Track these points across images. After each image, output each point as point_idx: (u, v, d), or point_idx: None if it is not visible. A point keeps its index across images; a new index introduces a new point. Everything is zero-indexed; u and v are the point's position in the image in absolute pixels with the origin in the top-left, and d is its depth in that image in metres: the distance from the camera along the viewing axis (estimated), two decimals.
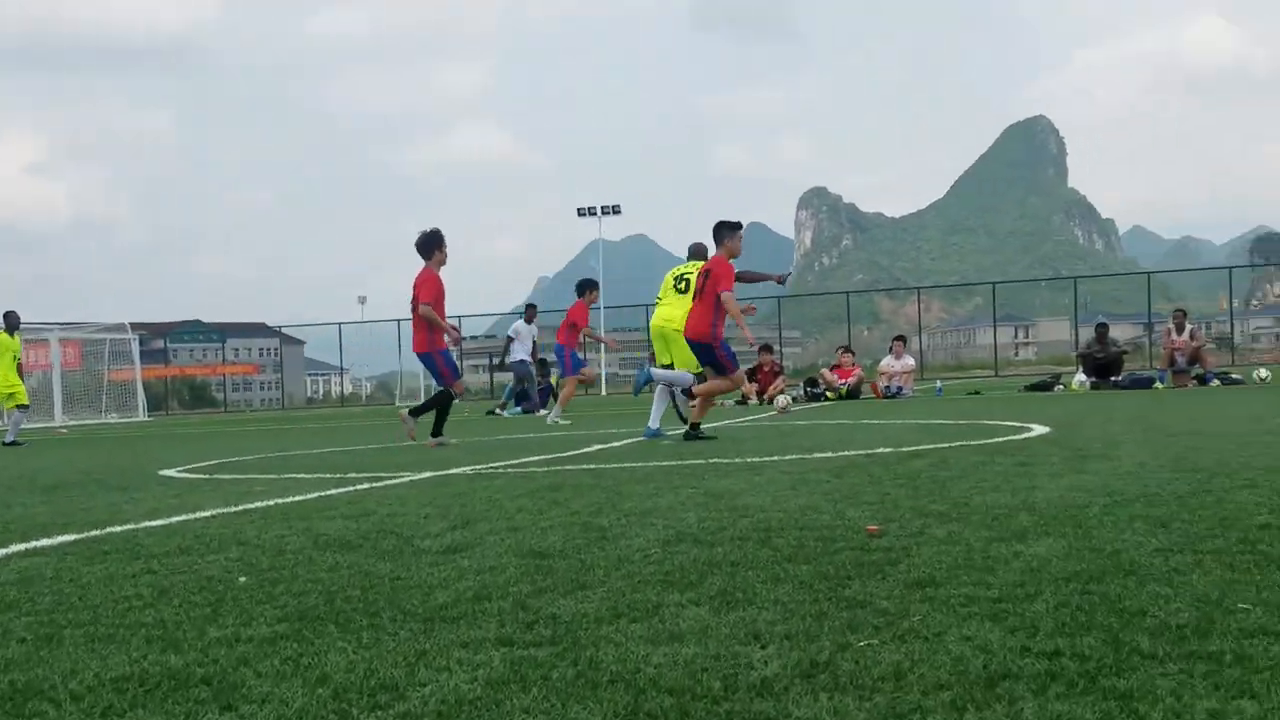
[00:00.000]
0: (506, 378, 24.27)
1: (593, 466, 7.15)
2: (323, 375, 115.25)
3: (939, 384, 22.63)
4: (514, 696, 2.04)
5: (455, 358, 11.08)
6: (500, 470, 7.09)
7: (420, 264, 10.57)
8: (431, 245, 10.43)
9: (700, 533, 3.86)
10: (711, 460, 7.07)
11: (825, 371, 20.83)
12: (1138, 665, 2.02)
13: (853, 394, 20.06)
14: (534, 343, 21.45)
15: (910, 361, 21.42)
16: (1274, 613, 2.34)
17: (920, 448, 7.23)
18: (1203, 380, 18.12)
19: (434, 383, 12.53)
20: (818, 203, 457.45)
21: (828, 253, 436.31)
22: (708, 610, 2.65)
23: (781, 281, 10.99)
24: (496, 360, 23.44)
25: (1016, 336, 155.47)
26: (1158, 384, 18.17)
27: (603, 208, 50.73)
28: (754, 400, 20.47)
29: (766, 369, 21.08)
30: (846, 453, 7.14)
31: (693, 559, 3.34)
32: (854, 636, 2.33)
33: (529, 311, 21.81)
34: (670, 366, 10.60)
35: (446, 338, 10.73)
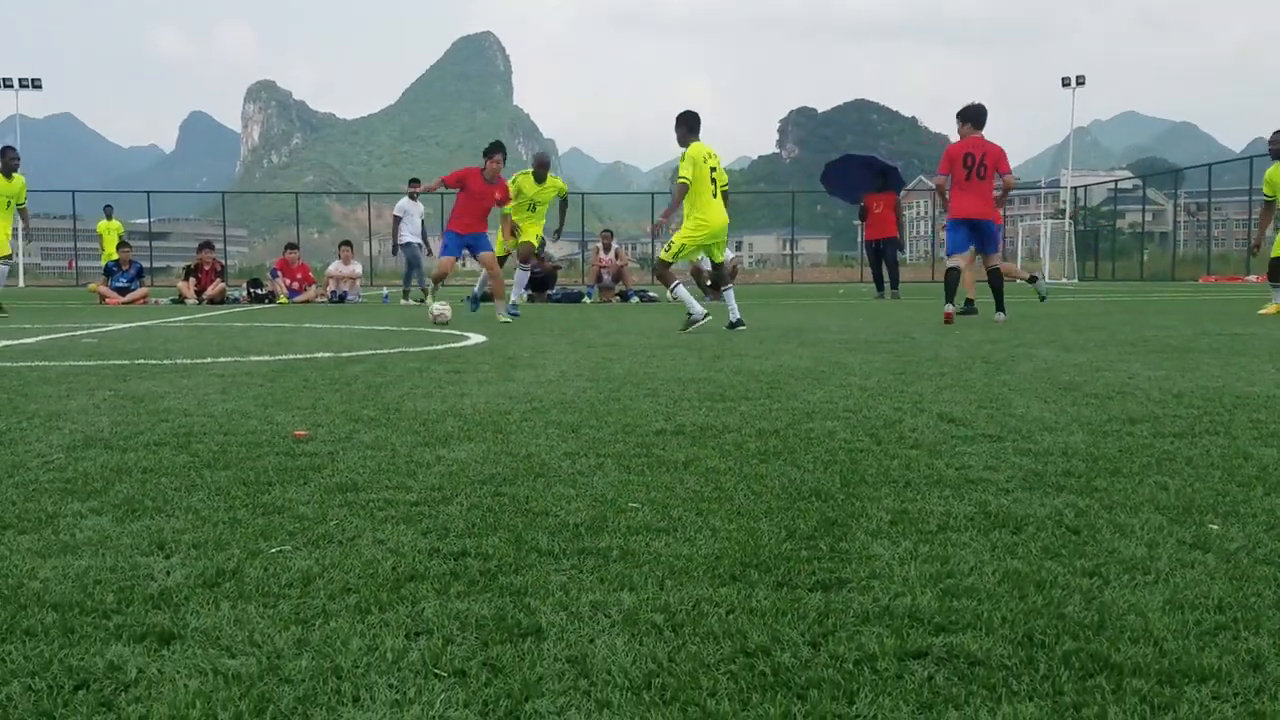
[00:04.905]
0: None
1: None
2: None
3: (385, 291, 22.75)
4: None
5: None
6: None
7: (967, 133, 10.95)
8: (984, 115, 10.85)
9: (113, 438, 3.62)
10: (137, 362, 6.64)
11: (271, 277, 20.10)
12: (535, 563, 2.16)
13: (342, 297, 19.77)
14: (422, 222, 19.31)
15: (358, 268, 21.33)
16: (658, 510, 2.58)
17: (360, 353, 7.24)
18: (624, 297, 19.66)
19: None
20: (266, 97, 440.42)
21: (277, 150, 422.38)
22: (110, 519, 2.50)
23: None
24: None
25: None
26: (586, 299, 19.48)
27: (20, 80, 45.43)
28: (192, 300, 19.49)
29: (207, 268, 20.11)
30: (284, 357, 7.00)
31: (100, 465, 3.13)
32: (266, 543, 2.30)
33: (412, 186, 19.31)
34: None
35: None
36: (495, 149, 12.37)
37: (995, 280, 11.07)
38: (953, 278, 11.06)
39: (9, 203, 14.36)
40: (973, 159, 10.68)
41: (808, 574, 2.07)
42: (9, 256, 14.94)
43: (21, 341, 8.60)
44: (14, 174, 14.41)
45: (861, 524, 2.44)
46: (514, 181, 13.81)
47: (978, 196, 10.77)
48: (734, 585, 2.01)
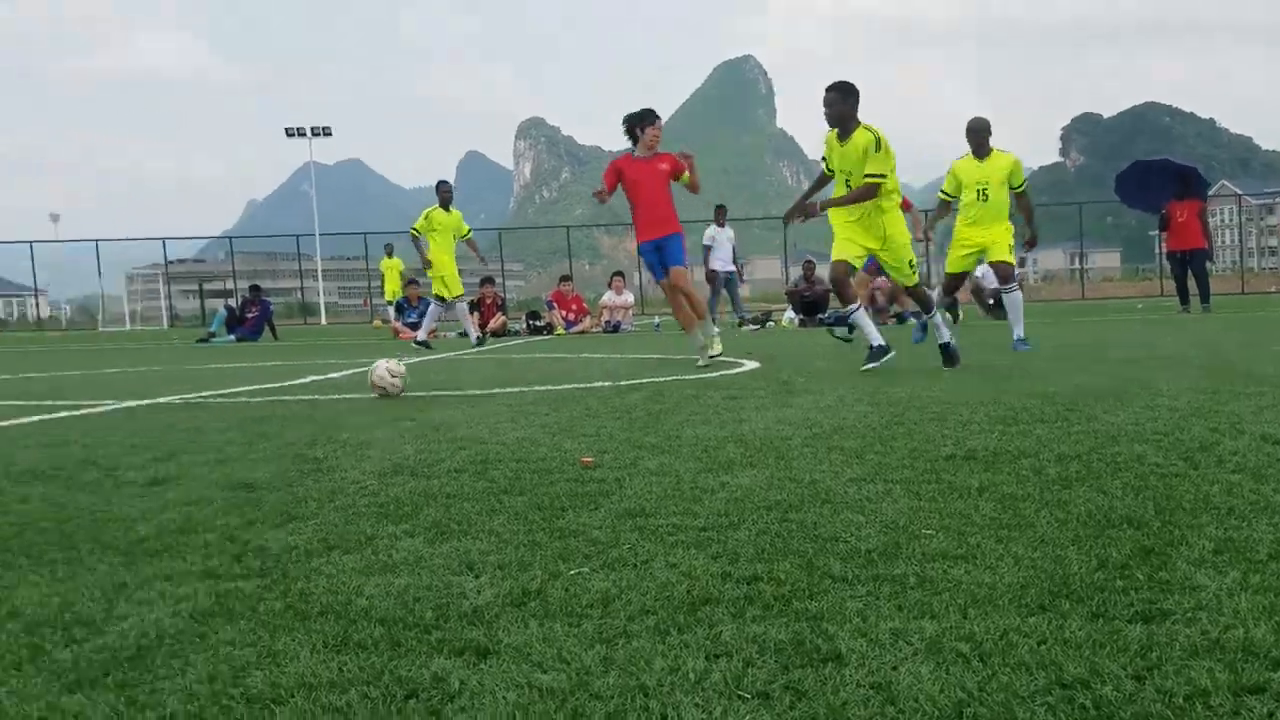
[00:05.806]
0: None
1: (309, 398, 6.96)
2: (16, 297, 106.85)
3: (657, 320, 23.16)
4: (219, 629, 1.99)
5: None
6: (209, 400, 6.79)
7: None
8: None
9: (417, 465, 3.83)
10: (432, 393, 7.00)
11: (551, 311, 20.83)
12: (829, 588, 2.14)
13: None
14: (734, 249, 19.19)
15: (630, 297, 21.82)
16: (954, 537, 2.50)
17: (637, 381, 7.38)
18: (900, 319, 19.29)
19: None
20: (536, 133, 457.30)
21: (547, 185, 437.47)
22: (422, 541, 2.64)
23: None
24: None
25: None
26: None
27: (313, 129, 48.61)
28: (477, 333, 20.36)
29: (489, 302, 21.01)
30: (565, 386, 7.22)
31: (408, 491, 3.31)
32: (565, 565, 2.37)
33: (719, 213, 19.34)
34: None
35: None
36: (640, 117, 9.08)
37: None
38: None
39: (452, 236, 14.18)
40: None
41: (1125, 605, 1.96)
42: (461, 296, 14.88)
43: (329, 376, 9.22)
44: (450, 207, 14.21)
45: (1182, 553, 2.29)
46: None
47: None
48: (1043, 615, 1.92)
